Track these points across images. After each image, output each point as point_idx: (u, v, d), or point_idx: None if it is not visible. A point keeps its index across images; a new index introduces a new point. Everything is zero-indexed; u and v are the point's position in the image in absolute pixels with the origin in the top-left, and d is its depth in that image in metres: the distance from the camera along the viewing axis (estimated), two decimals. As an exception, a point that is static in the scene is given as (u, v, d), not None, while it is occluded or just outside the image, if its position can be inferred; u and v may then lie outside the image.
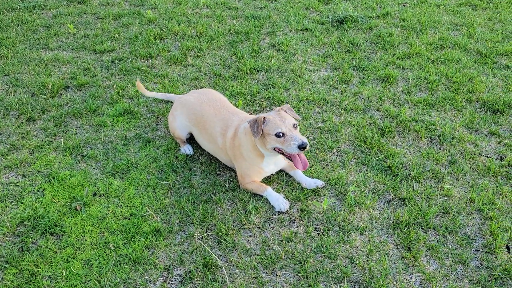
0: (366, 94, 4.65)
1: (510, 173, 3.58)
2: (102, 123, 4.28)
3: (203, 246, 3.04)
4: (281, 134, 3.08)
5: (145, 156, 3.87)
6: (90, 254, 3.00)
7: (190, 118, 3.78)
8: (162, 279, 2.85)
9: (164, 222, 3.24)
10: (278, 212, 3.29)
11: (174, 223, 3.23)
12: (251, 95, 4.65)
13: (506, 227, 3.12)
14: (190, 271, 2.88)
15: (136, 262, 2.94)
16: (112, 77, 5.03)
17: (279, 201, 3.30)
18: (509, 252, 2.97)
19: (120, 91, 4.75)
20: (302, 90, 4.75)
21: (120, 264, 2.93)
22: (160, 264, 2.93)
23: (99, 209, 3.34)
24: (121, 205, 3.38)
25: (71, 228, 3.19)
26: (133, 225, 3.20)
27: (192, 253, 3.00)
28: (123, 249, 3.02)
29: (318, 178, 3.55)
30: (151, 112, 4.45)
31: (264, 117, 3.14)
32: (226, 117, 3.59)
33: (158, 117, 4.38)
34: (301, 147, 3.02)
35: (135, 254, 2.98)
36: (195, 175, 3.67)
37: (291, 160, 3.19)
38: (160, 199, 3.42)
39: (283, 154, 3.19)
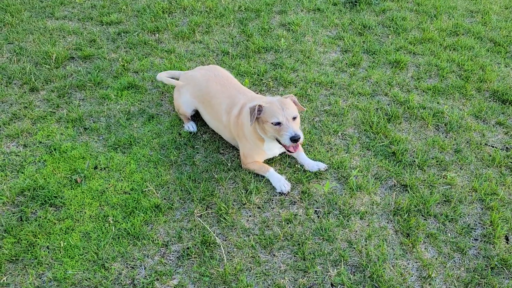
0: (375, 78, 4.58)
1: (515, 165, 3.54)
2: (106, 96, 4.25)
3: (202, 223, 3.04)
4: (277, 123, 3.06)
5: (148, 131, 3.85)
6: (89, 227, 3.01)
7: (195, 94, 3.74)
8: (160, 255, 2.86)
9: (164, 199, 3.24)
10: (279, 193, 3.28)
11: (174, 199, 3.23)
12: (258, 75, 4.60)
13: (507, 217, 3.09)
14: (188, 248, 2.89)
15: (134, 237, 2.95)
16: (118, 50, 4.98)
17: (281, 182, 3.29)
18: (507, 242, 2.95)
19: (126, 64, 4.71)
20: (310, 71, 4.68)
21: (118, 238, 2.95)
22: (158, 240, 2.94)
23: (100, 183, 3.34)
24: (121, 180, 3.38)
25: (71, 200, 3.19)
26: (133, 200, 3.20)
27: (191, 230, 3.01)
28: (122, 223, 3.03)
29: (321, 161, 3.52)
30: (156, 87, 4.41)
31: (260, 105, 3.11)
32: (233, 94, 3.54)
33: (163, 93, 4.35)
34: (293, 138, 3.01)
35: (134, 229, 2.98)
36: (197, 152, 3.65)
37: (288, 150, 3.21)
38: (161, 175, 3.41)
39: (278, 141, 3.18)
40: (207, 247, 2.89)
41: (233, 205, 3.19)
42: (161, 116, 4.04)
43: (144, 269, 2.78)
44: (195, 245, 2.90)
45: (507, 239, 2.96)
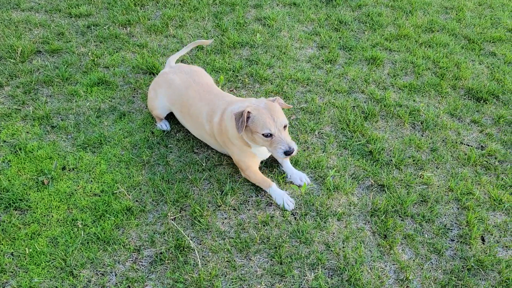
0: (352, 75, 4.54)
1: (489, 163, 3.55)
2: (74, 92, 4.07)
3: (176, 227, 2.94)
4: (269, 135, 2.88)
5: (119, 130, 3.70)
6: (56, 232, 2.87)
7: (173, 100, 3.52)
8: (132, 260, 2.75)
9: (136, 201, 3.12)
10: (281, 208, 3.11)
11: (147, 202, 3.11)
12: (233, 71, 4.49)
13: (483, 217, 3.10)
14: (161, 253, 2.78)
15: (104, 242, 2.83)
16: (88, 44, 4.78)
17: (284, 198, 3.10)
18: (483, 243, 2.95)
19: (96, 59, 4.53)
20: (287, 68, 4.60)
21: (87, 243, 2.82)
22: (130, 245, 2.82)
23: (68, 184, 3.19)
24: (91, 181, 3.24)
25: (37, 203, 3.04)
26: (103, 202, 3.07)
27: (164, 234, 2.90)
28: (92, 228, 2.90)
29: (301, 167, 3.44)
30: (128, 84, 4.25)
31: (249, 112, 2.88)
32: (212, 101, 3.32)
33: (135, 89, 4.19)
34: (288, 153, 2.85)
35: (104, 233, 2.86)
36: (171, 152, 3.54)
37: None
38: (133, 176, 3.29)
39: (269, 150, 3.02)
40: (181, 252, 2.79)
41: (208, 207, 3.10)
42: (133, 114, 3.90)
43: (115, 276, 2.66)
44: (169, 249, 2.80)
45: (483, 239, 2.97)
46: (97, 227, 2.90)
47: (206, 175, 3.33)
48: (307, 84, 4.38)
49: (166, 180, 3.27)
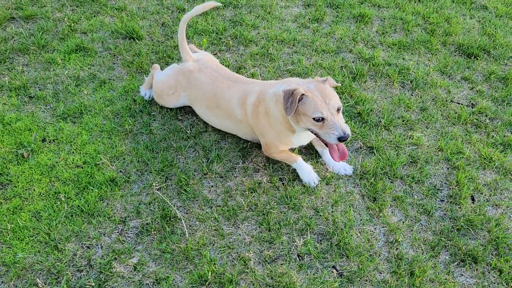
0: (339, 34, 4.39)
1: (480, 121, 3.49)
2: (52, 60, 3.90)
3: (162, 197, 2.88)
4: (320, 119, 2.63)
5: (100, 98, 3.57)
6: (39, 206, 2.80)
7: (197, 99, 3.24)
8: (117, 232, 2.70)
9: (120, 171, 3.03)
10: (304, 185, 2.99)
11: (131, 172, 3.03)
12: (216, 33, 4.32)
13: (472, 176, 3.07)
14: (147, 224, 2.73)
15: (89, 214, 2.77)
16: (63, 9, 4.56)
17: (311, 174, 2.97)
18: (473, 202, 2.93)
19: (72, 24, 4.32)
20: (272, 28, 4.44)
21: (71, 216, 2.75)
22: (115, 216, 2.77)
23: (49, 157, 3.10)
24: (73, 152, 3.14)
25: (18, 177, 2.95)
26: (86, 174, 2.99)
27: (149, 204, 2.84)
28: (75, 200, 2.83)
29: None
30: (107, 50, 4.08)
31: (303, 94, 2.61)
32: (243, 87, 3.07)
33: (114, 55, 4.03)
34: (342, 139, 2.59)
35: (88, 206, 2.79)
36: (154, 120, 3.43)
37: (326, 145, 2.78)
38: (116, 146, 3.19)
39: (315, 134, 2.75)
40: (167, 222, 2.74)
41: (194, 175, 3.03)
42: (113, 81, 3.75)
43: (101, 248, 2.61)
44: (155, 220, 2.75)
45: (473, 199, 2.95)
46: (80, 199, 2.83)
47: (191, 142, 3.24)
48: (293, 45, 4.24)
49: (150, 149, 3.18)
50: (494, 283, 2.50)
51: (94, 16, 4.49)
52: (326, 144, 2.76)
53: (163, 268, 2.52)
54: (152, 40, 4.22)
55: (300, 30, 4.45)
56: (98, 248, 2.61)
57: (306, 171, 2.98)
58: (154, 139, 3.25)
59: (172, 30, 4.34)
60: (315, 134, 2.75)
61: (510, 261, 2.58)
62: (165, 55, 4.02)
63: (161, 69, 3.55)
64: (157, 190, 2.92)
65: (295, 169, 3.04)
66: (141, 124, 3.37)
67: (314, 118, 2.60)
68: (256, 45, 4.22)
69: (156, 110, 3.50)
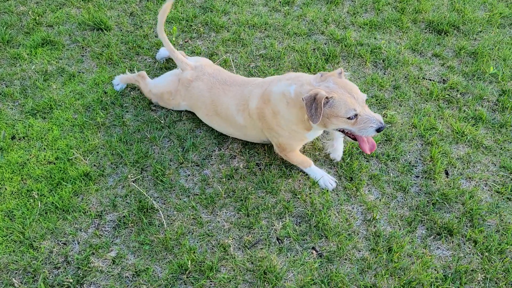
0: (311, 16, 4.37)
1: (451, 96, 3.54)
2: (18, 55, 3.79)
3: (138, 188, 2.84)
4: (354, 116, 2.51)
5: (70, 92, 3.49)
6: (11, 204, 2.74)
7: (197, 107, 3.15)
8: (94, 227, 2.66)
9: (94, 165, 2.98)
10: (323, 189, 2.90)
11: (105, 165, 2.98)
12: (187, 20, 4.25)
13: (446, 151, 3.11)
14: (124, 216, 2.70)
15: (63, 210, 2.72)
16: (27, 2, 4.42)
17: (325, 178, 2.88)
18: (447, 176, 2.98)
19: (38, 18, 4.20)
20: (243, 13, 4.39)
21: (46, 213, 2.70)
22: (91, 211, 2.72)
23: (19, 154, 3.02)
24: (44, 149, 3.07)
25: (-12, 177, 2.88)
26: (58, 170, 2.93)
27: (126, 197, 2.81)
28: (49, 197, 2.77)
29: None
30: (75, 42, 3.98)
31: (327, 97, 2.45)
32: (239, 91, 2.95)
33: (83, 48, 3.93)
34: (380, 130, 2.50)
35: (62, 202, 2.74)
36: (127, 111, 3.37)
37: (353, 140, 2.69)
38: (88, 140, 3.13)
39: (344, 132, 2.66)
40: (144, 214, 2.71)
41: (170, 165, 3.00)
42: (83, 74, 3.67)
43: (78, 244, 2.57)
44: (132, 212, 2.72)
45: (446, 173, 2.99)
46: (54, 196, 2.78)
47: (165, 132, 3.20)
48: (265, 29, 4.20)
49: (124, 141, 3.13)
50: (470, 254, 2.55)
51: (60, 9, 4.37)
52: (354, 138, 2.67)
53: (142, 260, 2.50)
54: (121, 30, 4.14)
55: (271, 14, 4.42)
56: (75, 244, 2.57)
57: (320, 175, 2.89)
58: (128, 131, 3.20)
59: (141, 19, 4.26)
60: (342, 131, 2.65)
61: (484, 232, 2.64)
62: (135, 45, 3.94)
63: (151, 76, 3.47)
64: (133, 182, 2.88)
65: (306, 172, 2.96)
66: (113, 117, 3.31)
67: (348, 118, 2.48)
68: (227, 31, 4.17)
69: (128, 101, 3.44)
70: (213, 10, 4.39)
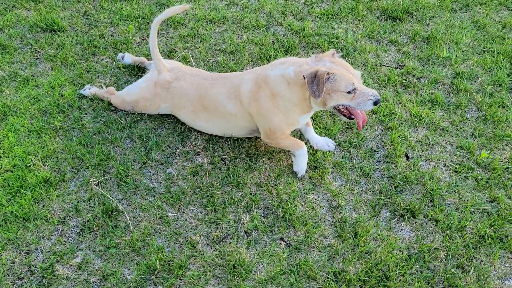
0: (268, 8, 4.37)
1: (408, 81, 3.62)
2: (-34, 62, 3.64)
3: (101, 191, 2.79)
4: (353, 90, 2.59)
5: (25, 97, 3.38)
6: (-32, 217, 2.63)
7: (180, 107, 3.09)
8: (57, 233, 2.60)
9: (54, 171, 2.90)
10: (294, 173, 2.95)
11: (66, 170, 2.91)
12: (143, 18, 4.18)
13: (405, 135, 3.19)
14: (88, 221, 2.64)
15: (24, 219, 2.64)
16: (-26, 6, 4.24)
17: (305, 163, 2.92)
18: (408, 159, 3.06)
19: (-14, 22, 4.04)
20: (200, 8, 4.35)
21: (5, 223, 2.61)
22: (53, 218, 2.65)
23: (-26, 164, 2.91)
24: (0, 157, 2.96)
25: None
26: (17, 177, 2.83)
27: (89, 201, 2.75)
28: (7, 206, 2.68)
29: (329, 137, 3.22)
30: (27, 45, 3.85)
31: (328, 73, 2.53)
32: (228, 82, 2.96)
33: (36, 50, 3.81)
34: (377, 102, 2.60)
35: (23, 210, 2.66)
36: (85, 113, 3.29)
37: (349, 118, 2.75)
38: (47, 145, 3.04)
39: (339, 111, 2.74)
40: (109, 216, 2.66)
41: (133, 165, 2.95)
42: (37, 78, 3.56)
43: (41, 252, 2.51)
44: (96, 216, 2.66)
45: (407, 156, 3.07)
46: (13, 205, 2.69)
47: (127, 132, 3.15)
48: (223, 23, 4.18)
49: (84, 144, 3.06)
50: (432, 233, 2.63)
51: (9, 11, 4.21)
52: (349, 117, 2.75)
53: (109, 263, 2.46)
54: (75, 31, 4.03)
55: (228, 7, 4.40)
56: (38, 252, 2.50)
57: (305, 160, 2.91)
58: (88, 133, 3.13)
59: (96, 18, 4.16)
60: (339, 110, 2.73)
61: (444, 211, 2.73)
62: (90, 45, 3.85)
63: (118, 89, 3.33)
64: (96, 185, 2.82)
65: (294, 156, 2.92)
66: (71, 120, 3.23)
67: (348, 92, 2.58)
68: (185, 27, 4.13)
69: (87, 103, 3.36)
70: (170, 6, 4.33)
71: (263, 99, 2.78)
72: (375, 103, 2.60)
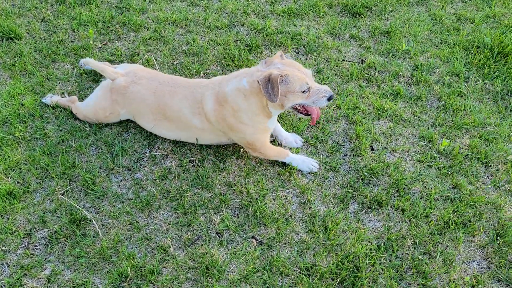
0: (230, 8, 4.38)
1: (370, 75, 3.70)
2: None
3: (68, 201, 2.73)
4: (307, 89, 2.64)
5: (-18, 108, 3.28)
6: None
7: (141, 113, 3.03)
8: (24, 246, 2.53)
9: (18, 182, 2.83)
10: (308, 173, 2.97)
11: (30, 181, 2.84)
12: (103, 22, 4.12)
13: (369, 128, 3.26)
14: (55, 231, 2.59)
15: (-12, 234, 2.56)
16: None
17: (306, 162, 2.95)
18: (373, 151, 3.13)
19: None
20: (161, 10, 4.31)
21: (-32, 240, 2.53)
22: (18, 231, 2.59)
23: None
24: (-41, 172, 2.87)
25: None
26: (-22, 192, 2.75)
27: (55, 211, 2.69)
28: (-30, 222, 2.60)
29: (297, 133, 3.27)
30: (-17, 54, 3.74)
31: (281, 76, 2.56)
32: (188, 93, 2.89)
33: (-8, 60, 3.70)
34: (331, 98, 2.68)
35: (-14, 225, 2.58)
36: (48, 122, 3.22)
37: (306, 115, 2.82)
38: (8, 156, 2.96)
39: (296, 109, 2.80)
40: (77, 226, 2.62)
41: (100, 172, 2.91)
42: (-5, 88, 3.46)
43: (7, 266, 2.44)
44: (64, 226, 2.61)
45: (372, 149, 3.14)
46: (-24, 220, 2.61)
47: (92, 139, 3.10)
48: (185, 25, 4.16)
49: (48, 154, 2.99)
50: (399, 222, 2.71)
51: (-38, 20, 4.06)
52: (306, 114, 2.81)
53: (79, 273, 2.42)
54: (34, 38, 3.93)
55: (190, 8, 4.38)
56: (4, 267, 2.44)
57: (301, 160, 2.96)
58: (51, 142, 3.06)
59: (54, 24, 4.07)
60: (295, 109, 2.79)
61: (410, 200, 2.81)
62: (50, 52, 3.76)
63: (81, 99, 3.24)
64: (62, 195, 2.77)
65: (287, 163, 2.98)
66: (34, 129, 3.15)
67: (303, 91, 2.63)
68: (147, 30, 4.09)
69: (49, 111, 3.28)
70: (130, 9, 4.28)
71: (228, 117, 2.80)
72: (329, 99, 2.68)
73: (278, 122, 3.19)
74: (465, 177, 2.96)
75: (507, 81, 3.64)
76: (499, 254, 2.56)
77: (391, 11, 4.45)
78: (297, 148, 3.11)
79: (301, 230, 2.66)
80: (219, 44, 3.95)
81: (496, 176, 2.98)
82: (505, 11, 4.52)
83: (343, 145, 3.17)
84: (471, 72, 3.74)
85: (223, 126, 2.85)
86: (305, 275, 2.43)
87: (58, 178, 2.85)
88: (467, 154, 3.10)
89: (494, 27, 4.29)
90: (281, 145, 3.12)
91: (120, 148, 3.03)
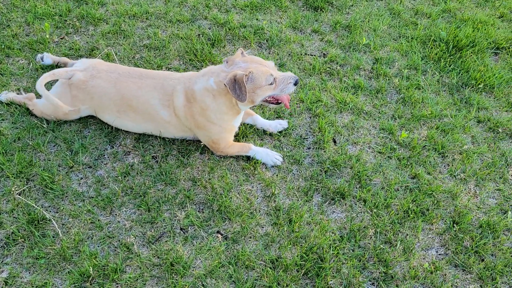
0: (192, 2, 4.33)
1: (332, 69, 3.75)
2: None
3: (25, 200, 2.64)
4: (273, 80, 2.70)
5: None
6: None
7: (103, 107, 2.96)
8: (-21, 250, 2.43)
9: (-29, 183, 2.71)
10: (272, 166, 2.99)
11: (-16, 181, 2.73)
12: (60, 15, 3.98)
13: (332, 121, 3.31)
14: (12, 233, 2.50)
15: None
16: None
17: (270, 155, 2.98)
18: (335, 144, 3.18)
19: None
20: (121, 3, 4.21)
21: None
22: (-27, 233, 2.48)
23: None
24: None
25: None
26: None
27: (12, 211, 2.60)
28: None
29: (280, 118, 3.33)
30: None
31: (245, 75, 2.59)
32: (158, 84, 2.87)
33: None
34: (297, 82, 2.75)
35: None
36: (2, 120, 3.09)
37: (276, 104, 2.86)
38: (-40, 156, 2.83)
39: (267, 101, 2.83)
40: (36, 226, 2.53)
41: (59, 171, 2.83)
42: None
43: (-38, 271, 2.34)
44: (21, 227, 2.52)
45: (334, 141, 3.19)
46: None
47: (50, 137, 3.00)
48: (146, 18, 4.09)
49: (2, 153, 2.87)
50: (361, 213, 2.77)
51: None
52: (277, 102, 2.85)
53: (39, 275, 2.34)
54: (-15, 31, 3.76)
55: (151, 2, 4.30)
56: (-42, 271, 2.34)
57: (265, 154, 2.98)
58: (6, 140, 2.94)
59: (7, 18, 3.90)
60: (266, 101, 2.82)
61: (371, 190, 2.87)
62: (3, 46, 3.61)
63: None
64: (18, 194, 2.67)
65: (251, 157, 3.00)
66: (-13, 127, 3.02)
67: (270, 84, 2.69)
68: (106, 23, 3.99)
69: (3, 108, 3.15)
70: (88, 2, 4.16)
71: (196, 115, 2.82)
72: (295, 84, 2.76)
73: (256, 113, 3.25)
74: (423, 167, 3.06)
75: (461, 74, 3.78)
76: (456, 241, 2.66)
77: (352, 5, 4.52)
78: (284, 128, 3.21)
79: (266, 224, 2.67)
80: (181, 38, 3.90)
81: (452, 165, 3.09)
82: (459, 6, 4.68)
83: (306, 138, 3.20)
84: (428, 66, 3.86)
85: (191, 122, 2.85)
86: (270, 267, 2.45)
87: (14, 178, 2.75)
88: (425, 145, 3.20)
89: (449, 21, 4.44)
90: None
91: (80, 145, 2.96)
